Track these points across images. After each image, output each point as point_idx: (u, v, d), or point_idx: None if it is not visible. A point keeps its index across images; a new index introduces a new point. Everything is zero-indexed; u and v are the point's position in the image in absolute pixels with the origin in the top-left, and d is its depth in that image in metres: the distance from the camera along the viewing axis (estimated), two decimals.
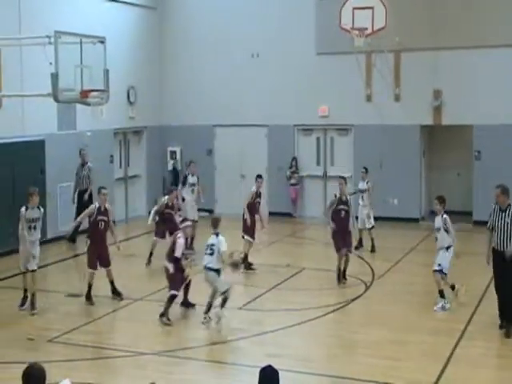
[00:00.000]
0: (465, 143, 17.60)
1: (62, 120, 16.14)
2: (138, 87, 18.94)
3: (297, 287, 12.21)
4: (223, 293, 9.85)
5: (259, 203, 13.66)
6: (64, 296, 11.49)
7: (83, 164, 15.87)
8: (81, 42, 12.99)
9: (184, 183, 15.56)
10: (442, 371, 8.21)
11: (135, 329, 9.98)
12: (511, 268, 9.13)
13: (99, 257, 11.24)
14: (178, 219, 13.29)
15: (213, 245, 9.90)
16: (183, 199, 14.82)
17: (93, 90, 13.09)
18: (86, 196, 15.73)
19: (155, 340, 9.46)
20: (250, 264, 13.12)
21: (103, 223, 11.23)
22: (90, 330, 9.95)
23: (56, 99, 12.54)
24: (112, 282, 11.29)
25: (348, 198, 12.32)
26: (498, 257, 9.31)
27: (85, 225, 12.24)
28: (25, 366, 4.75)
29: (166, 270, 10.28)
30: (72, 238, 15.34)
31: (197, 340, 9.52)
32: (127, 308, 10.96)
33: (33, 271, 10.65)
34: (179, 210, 14.09)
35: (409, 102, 17.54)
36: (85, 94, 12.98)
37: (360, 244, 14.72)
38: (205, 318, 9.90)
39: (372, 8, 15.97)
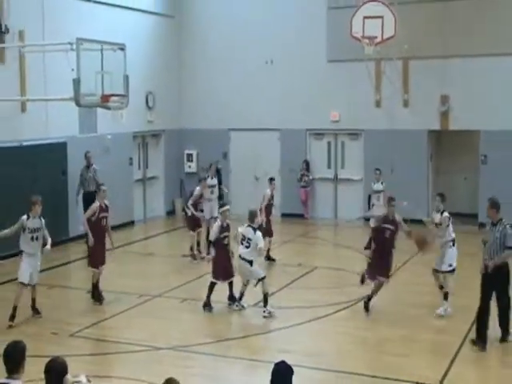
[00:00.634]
0: (471, 148, 17.50)
1: (83, 123, 16.21)
2: (156, 92, 18.98)
3: (308, 286, 12.17)
4: (261, 279, 10.23)
5: (273, 205, 13.96)
6: (85, 293, 11.51)
7: (88, 166, 15.54)
8: (102, 49, 13.09)
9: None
10: (449, 368, 8.17)
11: (153, 324, 9.98)
12: (499, 280, 8.79)
13: (102, 255, 11.08)
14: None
15: (250, 239, 10.22)
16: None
17: (113, 95, 13.19)
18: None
19: (172, 335, 9.46)
20: (273, 259, 13.70)
21: (105, 220, 11.05)
22: (109, 326, 9.99)
23: (78, 104, 12.65)
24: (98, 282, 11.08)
25: (397, 218, 10.49)
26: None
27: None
28: (48, 359, 4.80)
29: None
30: None
31: (212, 336, 9.52)
32: (145, 304, 10.97)
33: (33, 286, 10.19)
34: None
35: (417, 107, 17.48)
36: (105, 98, 13.07)
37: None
38: (236, 305, 10.55)
39: (382, 17, 15.92)
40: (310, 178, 18.61)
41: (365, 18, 16.01)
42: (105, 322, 10.11)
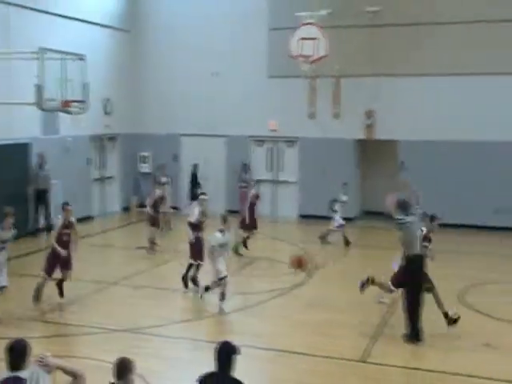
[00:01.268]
0: (392, 155, 17.88)
1: (45, 126, 15.81)
2: (113, 99, 18.68)
3: (252, 274, 12.22)
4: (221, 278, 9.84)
5: (256, 204, 14.29)
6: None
7: (41, 166, 15.13)
8: (63, 58, 12.81)
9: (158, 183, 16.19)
10: (370, 346, 8.35)
11: (109, 309, 9.85)
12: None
13: (60, 263, 9.99)
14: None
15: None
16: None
17: (73, 101, 12.93)
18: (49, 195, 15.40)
19: (127, 318, 9.33)
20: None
21: (67, 236, 9.97)
22: (69, 310, 9.77)
23: (40, 108, 12.34)
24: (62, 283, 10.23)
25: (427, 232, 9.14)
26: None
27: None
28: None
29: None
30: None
31: (164, 319, 9.41)
32: (102, 291, 10.80)
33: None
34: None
35: (346, 119, 17.70)
36: (66, 104, 12.79)
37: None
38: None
39: (316, 39, 16.14)
40: (248, 178, 18.10)
41: (301, 39, 16.18)
42: (65, 306, 9.88)
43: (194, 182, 18.32)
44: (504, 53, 16.20)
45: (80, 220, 16.55)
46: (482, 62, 16.33)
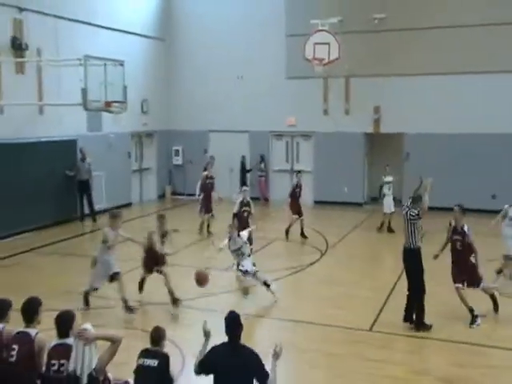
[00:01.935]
0: (397, 147, 17.65)
1: (90, 124, 15.91)
2: (149, 100, 18.71)
3: (270, 253, 12.17)
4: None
5: (299, 192, 13.47)
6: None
7: (83, 159, 15.08)
8: (105, 64, 12.86)
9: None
10: (377, 317, 8.25)
11: (148, 283, 9.82)
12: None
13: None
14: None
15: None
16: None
17: (114, 102, 12.98)
18: (90, 184, 15.24)
19: (164, 293, 9.31)
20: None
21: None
22: (110, 286, 9.80)
23: (85, 108, 12.44)
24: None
25: (465, 228, 8.13)
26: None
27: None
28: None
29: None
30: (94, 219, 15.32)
31: (198, 293, 9.30)
32: (140, 270, 10.82)
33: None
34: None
35: (355, 115, 17.52)
36: (108, 104, 12.86)
37: (382, 226, 13.96)
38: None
39: (328, 44, 15.93)
40: (265, 169, 18.41)
41: (315, 44, 16.00)
42: (107, 283, 9.91)
43: (243, 172, 18.56)
44: (499, 53, 15.89)
45: (121, 206, 16.83)
46: (478, 61, 16.03)
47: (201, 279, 7.56)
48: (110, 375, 4.84)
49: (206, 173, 14.16)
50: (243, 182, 18.16)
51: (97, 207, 15.59)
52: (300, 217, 13.31)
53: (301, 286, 10.06)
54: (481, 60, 16.04)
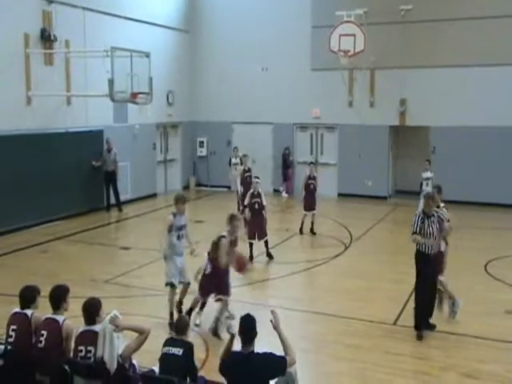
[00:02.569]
0: (423, 140, 17.39)
1: (116, 115, 16.03)
2: (175, 92, 18.77)
3: (291, 246, 12.14)
4: None
5: (313, 184, 12.86)
6: (118, 248, 11.46)
7: (109, 150, 15.12)
8: (131, 56, 12.93)
9: (229, 163, 16.17)
10: (402, 311, 8.17)
11: None
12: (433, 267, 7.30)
13: None
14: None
15: None
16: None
17: (140, 93, 13.05)
18: (116, 175, 15.25)
19: None
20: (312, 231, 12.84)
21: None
22: (136, 275, 9.94)
23: (112, 99, 12.55)
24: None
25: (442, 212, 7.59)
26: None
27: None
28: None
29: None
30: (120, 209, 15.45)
31: None
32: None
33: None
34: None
35: (381, 107, 17.29)
36: (134, 95, 12.95)
37: None
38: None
39: (354, 35, 15.82)
40: (290, 160, 18.36)
41: (340, 35, 15.89)
42: (132, 272, 10.06)
43: (285, 164, 18.37)
44: None
45: (146, 197, 17.04)
46: (505, 53, 15.69)
47: (240, 265, 7.12)
48: (135, 362, 4.89)
49: (242, 167, 14.25)
50: (285, 175, 18.15)
51: (122, 198, 15.75)
52: (311, 211, 12.71)
53: (324, 278, 10.01)
54: (507, 51, 15.66)
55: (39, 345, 4.82)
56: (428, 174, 14.23)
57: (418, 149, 17.67)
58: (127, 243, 12.11)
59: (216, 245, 7.19)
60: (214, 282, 7.29)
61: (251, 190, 11.02)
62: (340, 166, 18.12)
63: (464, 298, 8.14)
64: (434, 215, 7.22)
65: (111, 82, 12.01)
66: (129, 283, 9.36)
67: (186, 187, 19.70)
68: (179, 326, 4.99)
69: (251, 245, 10.66)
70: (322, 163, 18.52)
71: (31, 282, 5.39)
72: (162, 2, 18.06)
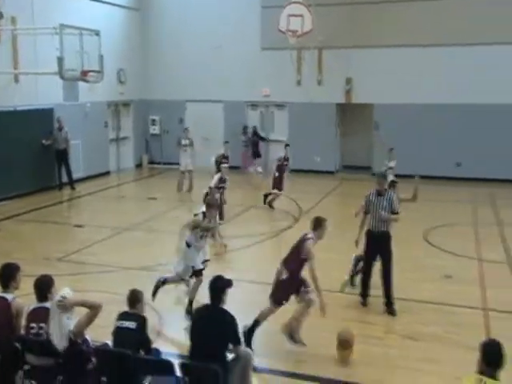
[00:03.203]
0: (368, 117, 17.65)
1: (67, 93, 15.45)
2: (126, 70, 18.22)
3: (245, 220, 12.16)
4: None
5: (287, 165, 13.10)
6: (72, 226, 11.17)
7: (60, 128, 14.60)
8: (81, 34, 12.45)
9: (178, 144, 15.04)
10: (349, 279, 8.30)
11: (125, 251, 9.79)
12: (386, 249, 7.32)
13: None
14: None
15: None
16: None
17: (91, 71, 12.62)
18: (68, 153, 14.76)
19: (142, 259, 9.26)
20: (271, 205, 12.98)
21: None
22: (89, 252, 9.72)
23: (61, 77, 12.08)
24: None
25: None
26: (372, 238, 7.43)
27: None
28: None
29: None
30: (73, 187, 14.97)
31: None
32: (118, 235, 10.74)
33: None
34: None
35: (328, 85, 17.39)
36: (84, 73, 12.52)
37: None
38: None
39: (302, 16, 15.68)
40: (245, 139, 18.05)
41: (289, 15, 15.73)
42: (86, 249, 9.83)
43: (255, 142, 17.95)
44: (465, 26, 15.87)
45: (98, 175, 16.65)
46: (446, 34, 16.00)
47: (345, 345, 6.09)
48: (88, 337, 4.79)
49: (222, 152, 13.78)
50: (255, 153, 17.68)
51: (75, 176, 15.29)
52: (281, 191, 12.99)
53: (276, 250, 10.07)
54: (448, 32, 15.99)
55: None
56: (392, 164, 13.74)
57: (363, 125, 17.93)
58: (81, 221, 11.81)
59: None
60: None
61: (219, 175, 10.94)
62: (290, 143, 18.09)
63: (406, 265, 8.40)
64: (385, 195, 7.35)
65: (60, 60, 11.55)
66: (84, 260, 9.15)
67: (139, 165, 19.32)
68: (131, 299, 4.91)
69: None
70: (272, 140, 18.52)
71: None
72: None
